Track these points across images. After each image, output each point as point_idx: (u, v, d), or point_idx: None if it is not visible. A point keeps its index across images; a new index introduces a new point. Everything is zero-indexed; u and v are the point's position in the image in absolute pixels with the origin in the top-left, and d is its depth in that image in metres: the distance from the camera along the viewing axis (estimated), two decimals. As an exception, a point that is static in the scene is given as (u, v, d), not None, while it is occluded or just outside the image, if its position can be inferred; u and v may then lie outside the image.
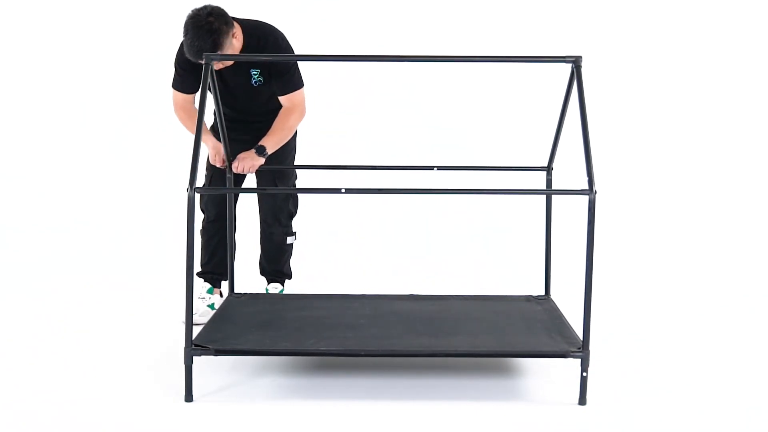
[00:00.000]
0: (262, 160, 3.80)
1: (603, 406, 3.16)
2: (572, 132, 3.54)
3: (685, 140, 5.60)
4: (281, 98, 3.87)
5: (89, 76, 5.77)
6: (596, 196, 3.09)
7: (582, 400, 3.16)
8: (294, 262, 4.30)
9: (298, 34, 5.35)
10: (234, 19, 3.75)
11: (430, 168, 3.93)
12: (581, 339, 3.17)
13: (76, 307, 4.34)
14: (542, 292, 3.97)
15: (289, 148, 4.06)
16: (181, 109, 3.97)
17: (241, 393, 3.26)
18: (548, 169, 3.87)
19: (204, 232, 4.13)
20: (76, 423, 3.02)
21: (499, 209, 5.35)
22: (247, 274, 4.29)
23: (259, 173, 3.98)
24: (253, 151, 3.80)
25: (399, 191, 3.36)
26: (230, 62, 3.78)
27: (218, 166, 3.94)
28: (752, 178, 5.60)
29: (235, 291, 3.95)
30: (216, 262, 4.12)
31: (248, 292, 3.98)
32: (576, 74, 3.27)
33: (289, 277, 4.25)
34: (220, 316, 3.60)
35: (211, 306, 4.05)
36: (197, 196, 3.81)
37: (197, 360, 3.17)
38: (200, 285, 4.11)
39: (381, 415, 3.08)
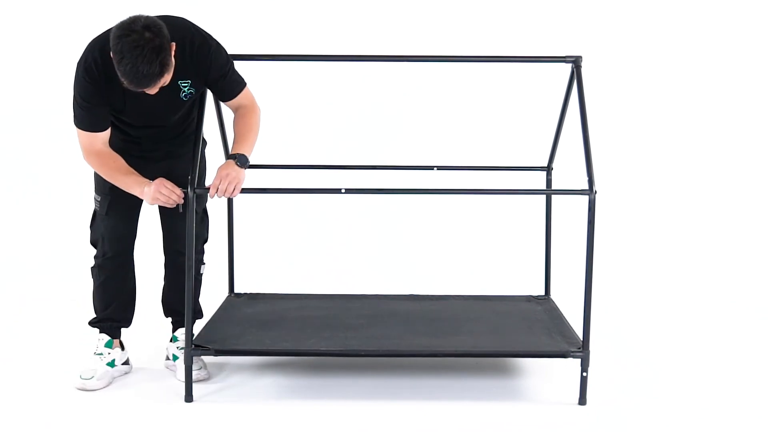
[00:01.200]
0: (244, 174, 3.12)
1: (603, 406, 3.17)
2: (572, 132, 3.55)
3: (685, 140, 5.59)
4: (232, 102, 3.25)
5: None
6: (596, 196, 3.09)
7: (582, 400, 3.16)
8: (294, 262, 4.29)
9: (297, 32, 5.36)
10: None
11: (430, 168, 3.93)
12: (581, 339, 3.17)
13: (77, 307, 4.33)
14: (542, 292, 3.98)
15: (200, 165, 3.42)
16: (97, 156, 3.13)
17: (241, 393, 3.27)
18: (548, 169, 3.87)
19: (100, 270, 3.38)
20: (76, 423, 3.03)
21: (499, 209, 5.35)
22: (247, 274, 4.28)
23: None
24: (233, 162, 3.09)
25: (399, 191, 3.36)
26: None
27: (173, 203, 3.13)
28: (753, 178, 5.60)
29: (236, 291, 3.94)
30: (116, 307, 3.41)
31: (248, 292, 3.97)
32: (576, 74, 3.28)
33: (201, 316, 3.55)
34: (221, 317, 3.60)
35: (111, 364, 3.34)
36: (100, 226, 3.35)
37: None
38: (96, 338, 3.42)
39: (381, 415, 3.09)
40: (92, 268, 3.41)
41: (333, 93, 5.49)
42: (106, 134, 3.14)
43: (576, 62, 3.30)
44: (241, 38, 5.02)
